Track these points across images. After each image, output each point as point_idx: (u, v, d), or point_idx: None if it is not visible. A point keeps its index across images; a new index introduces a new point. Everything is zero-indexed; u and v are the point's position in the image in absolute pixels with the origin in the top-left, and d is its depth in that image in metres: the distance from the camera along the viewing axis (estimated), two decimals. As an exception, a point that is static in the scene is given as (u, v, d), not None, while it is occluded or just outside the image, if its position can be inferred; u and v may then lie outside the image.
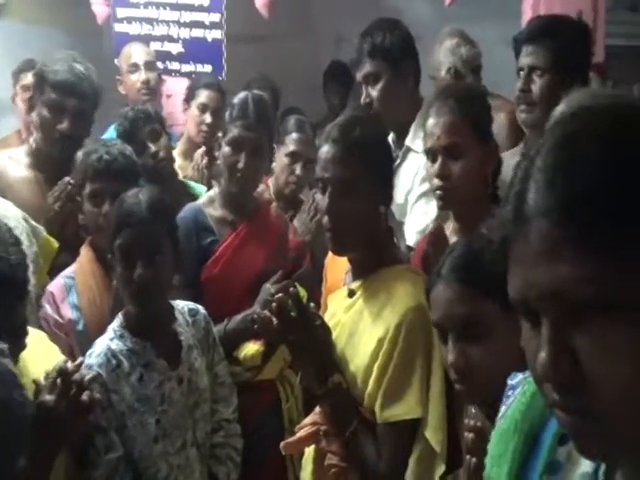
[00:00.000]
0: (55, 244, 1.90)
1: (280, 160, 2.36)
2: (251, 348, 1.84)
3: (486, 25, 3.17)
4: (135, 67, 2.98)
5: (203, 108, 2.82)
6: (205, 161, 2.66)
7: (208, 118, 2.80)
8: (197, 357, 1.64)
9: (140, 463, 1.52)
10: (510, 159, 2.03)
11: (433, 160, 1.55)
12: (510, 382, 0.74)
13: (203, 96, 2.84)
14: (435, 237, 1.51)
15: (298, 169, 2.37)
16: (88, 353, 1.55)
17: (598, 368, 0.51)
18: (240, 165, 1.89)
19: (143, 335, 1.57)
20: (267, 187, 2.38)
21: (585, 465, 0.62)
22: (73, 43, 3.13)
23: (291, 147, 2.37)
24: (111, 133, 2.47)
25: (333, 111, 3.73)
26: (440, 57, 2.59)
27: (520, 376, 0.73)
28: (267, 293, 1.79)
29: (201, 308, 1.73)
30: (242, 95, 1.97)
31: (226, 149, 1.92)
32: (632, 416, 0.52)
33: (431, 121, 1.54)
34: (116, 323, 1.60)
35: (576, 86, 1.88)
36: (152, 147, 2.23)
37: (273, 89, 3.22)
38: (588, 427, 0.53)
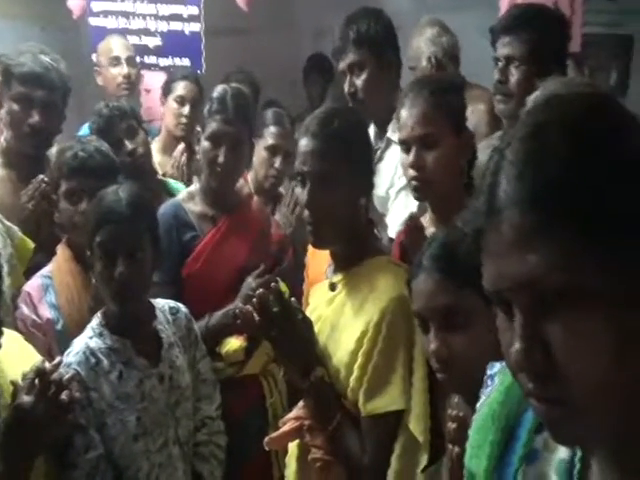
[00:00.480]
0: (31, 244, 1.87)
1: (259, 154, 2.34)
2: (234, 343, 1.83)
3: (465, 15, 3.17)
4: (117, 60, 2.94)
5: (181, 100, 2.79)
6: (184, 158, 2.62)
7: (186, 110, 2.77)
8: (178, 355, 1.63)
9: (120, 461, 1.50)
10: (486, 149, 2.04)
11: (407, 151, 1.54)
12: (489, 372, 0.74)
13: (180, 88, 2.81)
14: (411, 228, 1.51)
15: (277, 163, 2.35)
16: (67, 352, 1.53)
17: (570, 358, 0.52)
18: (220, 160, 1.87)
19: (123, 333, 1.56)
20: (246, 182, 2.36)
21: (562, 452, 0.63)
22: (49, 38, 3.08)
23: (270, 140, 2.35)
24: (85, 130, 2.43)
25: (313, 104, 3.72)
26: (421, 46, 2.58)
27: (498, 366, 0.74)
28: (249, 288, 1.78)
29: (182, 306, 1.71)
30: (220, 89, 1.95)
31: (205, 144, 1.90)
32: (604, 404, 0.53)
33: (405, 112, 1.54)
34: (95, 321, 1.58)
35: (553, 76, 1.89)
36: (129, 144, 2.20)
37: (252, 83, 3.19)
38: (562, 415, 0.54)
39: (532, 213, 0.52)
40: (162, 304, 1.68)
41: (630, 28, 3.66)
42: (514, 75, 1.92)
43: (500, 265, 0.55)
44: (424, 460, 1.29)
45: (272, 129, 2.36)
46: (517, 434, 0.67)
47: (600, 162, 0.52)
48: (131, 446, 1.50)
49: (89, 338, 1.55)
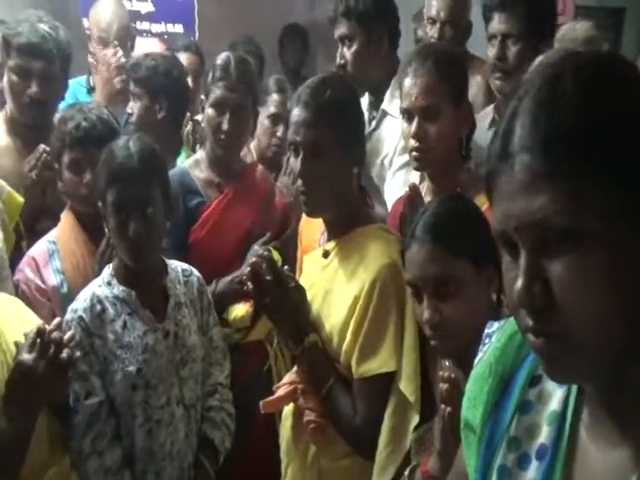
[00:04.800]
0: (20, 199, 1.85)
1: (262, 122, 2.32)
2: (240, 309, 1.86)
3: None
4: (104, 42, 2.68)
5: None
6: (190, 126, 2.59)
7: (189, 82, 2.73)
8: (186, 315, 1.64)
9: (120, 409, 1.53)
10: (479, 121, 2.06)
11: (409, 120, 1.55)
12: (487, 331, 0.78)
13: (184, 59, 2.74)
14: (411, 197, 1.54)
15: (280, 131, 2.33)
16: (76, 298, 1.56)
17: (568, 293, 0.56)
18: (224, 126, 1.88)
19: (131, 284, 1.57)
20: (249, 150, 2.36)
21: (554, 404, 0.67)
22: (38, 2, 3.03)
23: (272, 109, 2.33)
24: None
25: (289, 74, 3.70)
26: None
27: (496, 325, 0.77)
28: (255, 254, 1.80)
29: (195, 270, 1.72)
30: (224, 56, 1.95)
31: (209, 111, 1.90)
32: (599, 338, 0.57)
33: (409, 81, 1.54)
34: (106, 271, 1.60)
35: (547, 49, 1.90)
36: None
37: (258, 51, 3.16)
38: (559, 350, 0.58)
39: (543, 158, 0.56)
40: (176, 265, 1.69)
41: (622, 0, 3.65)
42: (512, 52, 1.92)
43: (509, 206, 0.58)
44: (415, 419, 1.33)
45: (275, 97, 2.34)
46: (512, 385, 0.70)
47: (610, 112, 0.56)
48: (130, 395, 1.52)
49: (98, 286, 1.57)
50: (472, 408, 0.74)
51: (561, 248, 0.56)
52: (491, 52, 1.96)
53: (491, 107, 2.11)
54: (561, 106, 0.56)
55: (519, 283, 0.57)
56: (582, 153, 0.55)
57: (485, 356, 0.75)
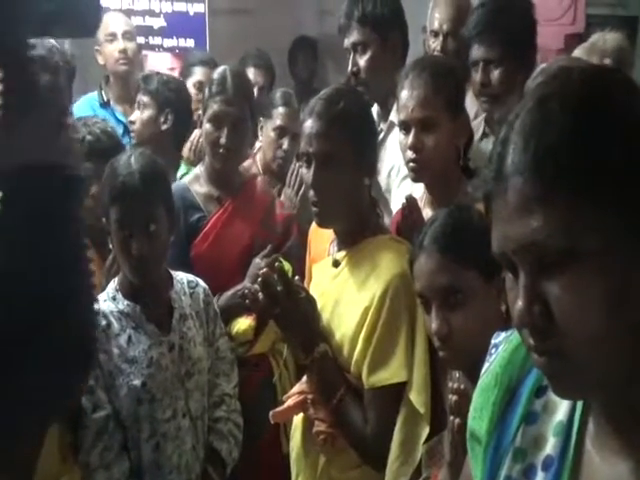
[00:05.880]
0: None
1: (267, 135, 2.34)
2: (243, 323, 1.86)
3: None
4: (113, 36, 2.91)
5: (200, 86, 2.76)
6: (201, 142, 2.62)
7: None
8: (192, 327, 1.65)
9: (126, 423, 1.54)
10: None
11: (406, 132, 1.55)
12: (494, 341, 0.77)
13: (200, 74, 2.79)
14: (408, 209, 1.54)
15: (285, 144, 2.34)
16: None
17: (566, 312, 0.57)
18: (222, 141, 1.89)
19: (135, 298, 1.58)
20: (254, 162, 2.38)
21: (560, 414, 0.67)
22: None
23: (278, 121, 2.35)
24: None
25: (300, 86, 3.72)
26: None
27: (503, 335, 0.77)
28: (257, 268, 1.80)
29: (201, 281, 1.72)
30: (220, 70, 1.96)
31: (207, 126, 1.92)
32: (598, 356, 0.57)
33: (405, 93, 1.54)
34: (111, 285, 1.62)
35: (531, 67, 1.92)
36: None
37: (268, 64, 3.19)
38: (561, 368, 0.58)
39: (534, 181, 0.56)
40: (181, 276, 1.70)
41: (635, 9, 3.64)
42: (495, 77, 1.93)
43: (505, 229, 0.59)
44: (425, 432, 1.32)
45: (280, 110, 2.35)
46: (518, 396, 0.70)
47: (600, 129, 0.56)
48: (135, 409, 1.53)
49: (102, 301, 1.58)
50: (478, 419, 0.74)
51: (559, 269, 0.56)
52: (475, 77, 1.98)
53: (480, 119, 2.11)
54: (550, 127, 0.56)
55: (519, 304, 0.58)
56: (574, 173, 0.55)
57: (491, 366, 0.74)
